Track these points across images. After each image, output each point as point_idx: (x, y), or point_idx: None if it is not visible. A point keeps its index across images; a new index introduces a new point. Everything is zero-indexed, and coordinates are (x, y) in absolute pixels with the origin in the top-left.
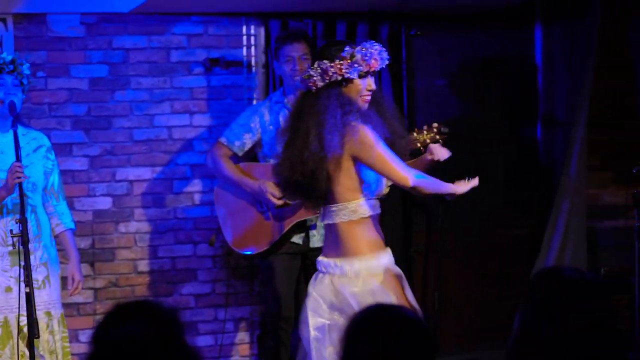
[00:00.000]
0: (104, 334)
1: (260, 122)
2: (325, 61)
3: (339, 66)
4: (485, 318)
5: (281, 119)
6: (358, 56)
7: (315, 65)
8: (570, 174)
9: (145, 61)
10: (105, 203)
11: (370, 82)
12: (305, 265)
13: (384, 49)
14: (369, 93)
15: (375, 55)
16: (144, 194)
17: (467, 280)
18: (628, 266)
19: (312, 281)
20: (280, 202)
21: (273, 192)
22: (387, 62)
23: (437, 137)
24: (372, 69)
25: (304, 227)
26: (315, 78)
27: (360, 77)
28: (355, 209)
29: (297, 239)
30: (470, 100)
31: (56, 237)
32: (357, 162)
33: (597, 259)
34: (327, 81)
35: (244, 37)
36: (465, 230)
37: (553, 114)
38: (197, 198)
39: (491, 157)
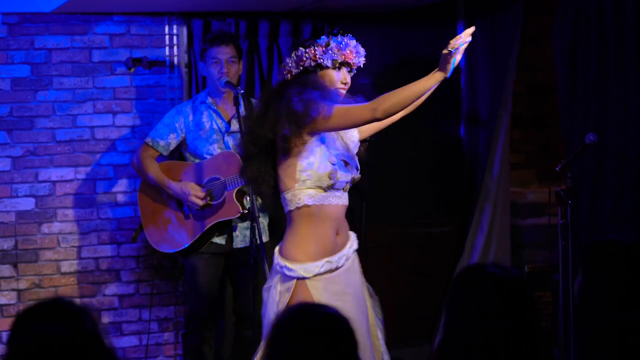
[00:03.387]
0: (17, 335)
1: (185, 123)
2: (300, 48)
3: (313, 52)
4: (408, 316)
5: (206, 119)
6: (333, 44)
7: (292, 54)
8: (494, 172)
9: (67, 61)
10: (28, 204)
11: (345, 76)
12: (228, 264)
13: (360, 48)
14: (344, 87)
15: (351, 47)
16: (67, 195)
17: (391, 278)
18: (551, 264)
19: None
20: (202, 203)
21: (196, 194)
22: (362, 58)
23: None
24: (347, 60)
25: (227, 228)
26: (290, 66)
27: (334, 67)
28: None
29: (219, 239)
30: None
31: None
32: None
33: (520, 256)
34: (302, 68)
35: (167, 37)
36: (389, 227)
37: (476, 113)
38: (120, 198)
39: (415, 155)
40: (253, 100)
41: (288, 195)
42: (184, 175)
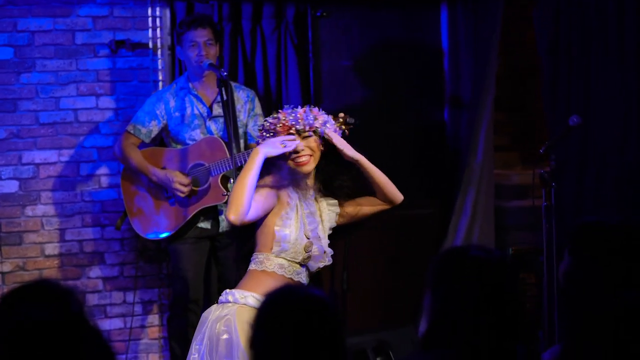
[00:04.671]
0: (3, 318)
1: (166, 109)
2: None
3: (259, 139)
4: (393, 298)
5: (186, 104)
6: (266, 124)
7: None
8: (478, 155)
9: (50, 43)
10: (11, 186)
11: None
12: (214, 247)
13: (297, 110)
14: (299, 155)
15: (282, 121)
16: (50, 177)
17: (374, 261)
18: (535, 246)
19: None
20: (187, 190)
21: (180, 181)
22: (298, 121)
23: (343, 127)
24: (284, 134)
25: (212, 213)
26: None
27: None
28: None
29: (205, 224)
30: (377, 82)
31: None
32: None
33: (504, 238)
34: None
35: (150, 19)
36: None
37: (459, 96)
38: (104, 181)
39: (398, 139)
40: (234, 84)
41: (260, 257)
42: (167, 162)
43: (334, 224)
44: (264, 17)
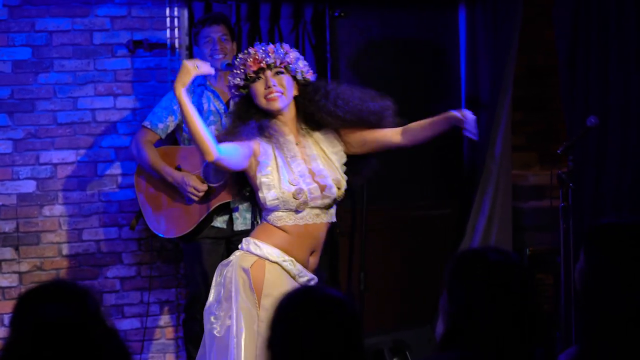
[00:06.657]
0: (20, 318)
1: None
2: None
3: (230, 80)
4: (409, 298)
5: (203, 101)
6: (237, 61)
7: None
8: (495, 155)
9: (68, 43)
10: (29, 186)
11: (267, 80)
12: (229, 249)
13: (269, 45)
14: (269, 91)
15: (253, 55)
16: (68, 177)
17: (392, 261)
18: (553, 246)
19: None
20: (200, 196)
21: (196, 186)
22: (269, 54)
23: None
24: (259, 67)
25: (227, 210)
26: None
27: (251, 81)
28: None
29: (220, 223)
30: (394, 82)
31: None
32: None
33: (522, 239)
34: (236, 96)
35: (168, 19)
36: (390, 211)
37: (477, 96)
38: (121, 181)
39: None
40: None
41: (263, 213)
42: (182, 160)
43: (339, 148)
44: (282, 17)
